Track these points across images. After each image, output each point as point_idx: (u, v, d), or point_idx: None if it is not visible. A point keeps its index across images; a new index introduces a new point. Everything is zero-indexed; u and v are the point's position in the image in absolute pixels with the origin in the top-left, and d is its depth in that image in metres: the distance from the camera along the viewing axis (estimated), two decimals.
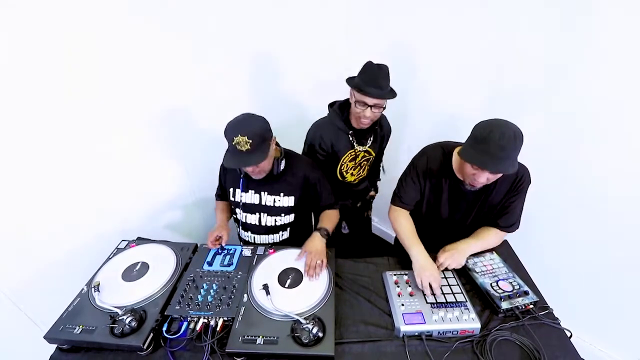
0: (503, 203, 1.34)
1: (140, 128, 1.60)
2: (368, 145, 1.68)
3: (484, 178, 1.17)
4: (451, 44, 1.77)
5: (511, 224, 1.36)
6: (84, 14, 1.27)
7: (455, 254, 1.29)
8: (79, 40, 1.28)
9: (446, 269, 1.30)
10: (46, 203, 1.39)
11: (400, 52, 1.97)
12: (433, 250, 1.34)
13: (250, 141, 1.20)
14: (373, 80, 1.41)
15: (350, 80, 1.50)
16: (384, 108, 1.51)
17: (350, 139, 1.62)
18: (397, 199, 1.45)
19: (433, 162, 1.36)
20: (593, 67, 1.37)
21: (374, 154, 1.73)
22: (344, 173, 1.73)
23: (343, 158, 1.66)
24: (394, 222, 1.43)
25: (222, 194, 1.61)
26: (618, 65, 1.32)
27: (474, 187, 1.25)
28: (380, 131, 1.71)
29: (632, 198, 1.46)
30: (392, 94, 1.48)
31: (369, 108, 1.46)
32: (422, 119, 2.12)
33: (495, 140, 1.07)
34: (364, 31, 2.09)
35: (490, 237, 1.37)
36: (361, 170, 1.77)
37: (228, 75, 1.82)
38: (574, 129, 1.51)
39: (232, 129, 1.23)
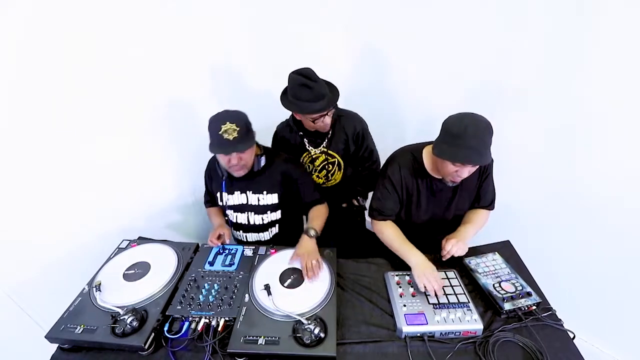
0: (477, 188, 1.38)
1: (141, 128, 1.60)
2: (323, 146, 1.61)
3: (466, 172, 1.19)
4: (454, 44, 1.76)
5: (491, 202, 1.42)
6: (84, 12, 1.26)
7: (460, 243, 1.30)
8: (79, 41, 1.28)
9: (448, 269, 1.30)
10: (47, 203, 1.39)
11: (391, 52, 1.96)
12: (424, 252, 1.32)
13: (238, 129, 1.22)
14: (311, 95, 1.35)
15: (285, 102, 1.44)
16: (336, 105, 1.47)
17: (301, 139, 1.61)
18: (377, 213, 1.41)
19: (405, 168, 1.35)
20: (591, 67, 1.36)
21: (338, 158, 1.65)
22: (310, 173, 1.72)
23: (302, 158, 1.67)
24: (380, 235, 1.41)
25: (211, 200, 1.61)
26: (616, 66, 1.31)
27: (455, 182, 1.27)
28: (342, 133, 1.60)
29: (635, 198, 1.45)
30: (334, 94, 1.42)
31: (327, 116, 1.43)
32: (426, 119, 2.10)
33: (473, 133, 1.09)
34: (371, 31, 2.08)
35: (480, 218, 1.42)
36: (329, 174, 1.71)
37: (228, 76, 1.82)
38: (574, 129, 1.51)
39: (218, 119, 1.24)
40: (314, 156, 1.65)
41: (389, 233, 1.38)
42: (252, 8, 1.74)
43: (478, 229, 1.39)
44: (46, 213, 1.40)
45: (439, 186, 1.33)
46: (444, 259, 1.32)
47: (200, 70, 1.69)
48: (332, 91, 1.44)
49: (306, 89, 1.35)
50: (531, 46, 1.49)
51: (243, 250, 1.41)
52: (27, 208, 1.34)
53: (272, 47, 1.93)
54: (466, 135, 1.09)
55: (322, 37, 2.10)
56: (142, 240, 1.49)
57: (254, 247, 1.43)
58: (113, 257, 1.37)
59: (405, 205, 1.42)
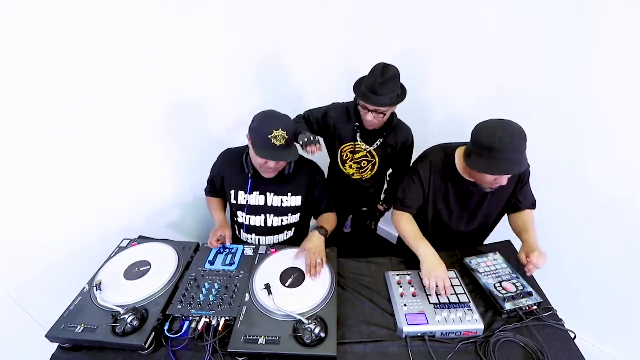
0: (514, 195, 1.37)
1: (141, 127, 1.59)
2: (373, 148, 1.64)
3: (505, 180, 1.18)
4: (454, 44, 1.75)
5: (534, 203, 1.41)
6: (84, 12, 1.26)
7: (543, 254, 1.21)
8: (79, 41, 1.28)
9: (449, 269, 1.29)
10: (48, 202, 1.38)
11: (408, 53, 1.96)
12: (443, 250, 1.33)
13: (287, 137, 1.21)
14: (374, 87, 1.39)
15: (357, 83, 1.50)
16: (385, 115, 1.47)
17: (355, 130, 1.61)
18: (399, 203, 1.43)
19: (436, 166, 1.35)
20: (596, 68, 1.36)
21: (377, 159, 1.68)
22: (345, 161, 1.73)
23: (344, 146, 1.68)
24: (397, 226, 1.42)
25: (213, 190, 1.60)
26: (616, 66, 1.31)
27: (493, 189, 1.26)
28: (394, 140, 1.63)
29: (636, 198, 1.45)
30: (393, 100, 1.42)
31: (370, 113, 1.45)
32: (431, 121, 2.10)
33: (509, 144, 1.07)
34: (371, 30, 2.08)
35: (533, 221, 1.39)
36: (362, 170, 1.74)
37: (229, 76, 1.82)
38: (575, 130, 1.50)
39: (270, 122, 1.22)
40: (357, 149, 1.66)
41: (405, 225, 1.38)
42: (252, 8, 1.74)
43: (535, 230, 1.36)
44: (46, 213, 1.39)
45: (470, 189, 1.32)
46: (529, 274, 1.22)
47: (202, 70, 1.69)
48: (391, 96, 1.41)
49: (373, 80, 1.39)
50: (531, 46, 1.49)
51: (243, 250, 1.41)
52: (27, 208, 1.34)
53: (272, 47, 1.93)
54: (502, 147, 1.07)
55: (322, 37, 2.11)
56: (142, 239, 1.49)
57: (254, 247, 1.43)
58: (113, 256, 1.36)
59: (433, 206, 1.41)
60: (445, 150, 1.36)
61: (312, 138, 1.40)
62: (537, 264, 1.19)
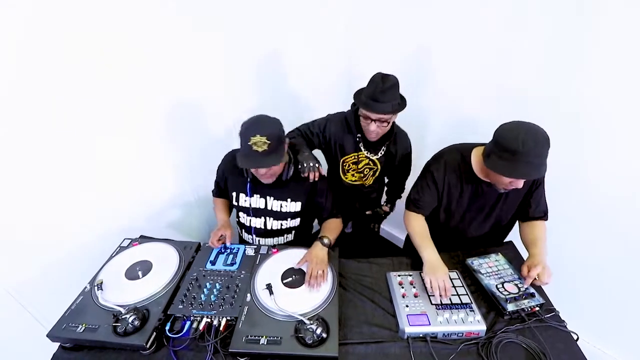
0: (527, 196, 1.34)
1: (142, 127, 1.59)
2: (377, 157, 1.63)
3: (521, 183, 1.17)
4: (454, 44, 1.75)
5: (545, 211, 1.38)
6: (84, 12, 1.26)
7: (547, 269, 1.20)
8: (79, 41, 1.28)
9: (450, 270, 1.28)
10: (48, 202, 1.38)
11: (408, 53, 1.96)
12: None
13: (269, 142, 1.18)
14: (375, 95, 1.37)
15: (357, 94, 1.48)
16: (389, 123, 1.46)
17: (357, 140, 1.59)
18: (412, 204, 1.41)
19: (451, 166, 1.33)
20: (596, 68, 1.36)
21: (379, 166, 1.68)
22: (345, 171, 1.72)
23: (346, 157, 1.66)
24: (407, 225, 1.41)
25: (219, 192, 1.60)
26: (616, 66, 1.32)
27: (507, 190, 1.25)
28: (393, 147, 1.63)
29: (636, 198, 1.45)
30: (395, 107, 1.41)
31: (373, 122, 1.43)
32: (431, 122, 2.10)
33: (532, 148, 1.05)
34: (371, 31, 2.08)
35: (544, 233, 1.35)
36: (364, 177, 1.73)
37: (229, 76, 1.82)
38: (575, 130, 1.50)
39: (249, 128, 1.20)
40: (360, 159, 1.65)
41: (415, 225, 1.38)
42: (253, 8, 1.74)
43: (546, 245, 1.32)
44: (46, 213, 1.39)
45: (485, 189, 1.31)
46: (526, 285, 1.22)
47: (202, 70, 1.69)
48: (393, 104, 1.40)
49: (374, 89, 1.37)
50: (531, 46, 1.49)
51: (245, 250, 1.41)
52: (28, 208, 1.34)
53: (272, 47, 1.93)
54: (525, 151, 1.05)
55: (322, 37, 2.11)
56: (143, 239, 1.48)
57: (255, 247, 1.43)
58: (114, 255, 1.36)
59: (445, 205, 1.40)
60: (461, 152, 1.34)
61: (311, 165, 1.39)
62: (542, 280, 1.19)
